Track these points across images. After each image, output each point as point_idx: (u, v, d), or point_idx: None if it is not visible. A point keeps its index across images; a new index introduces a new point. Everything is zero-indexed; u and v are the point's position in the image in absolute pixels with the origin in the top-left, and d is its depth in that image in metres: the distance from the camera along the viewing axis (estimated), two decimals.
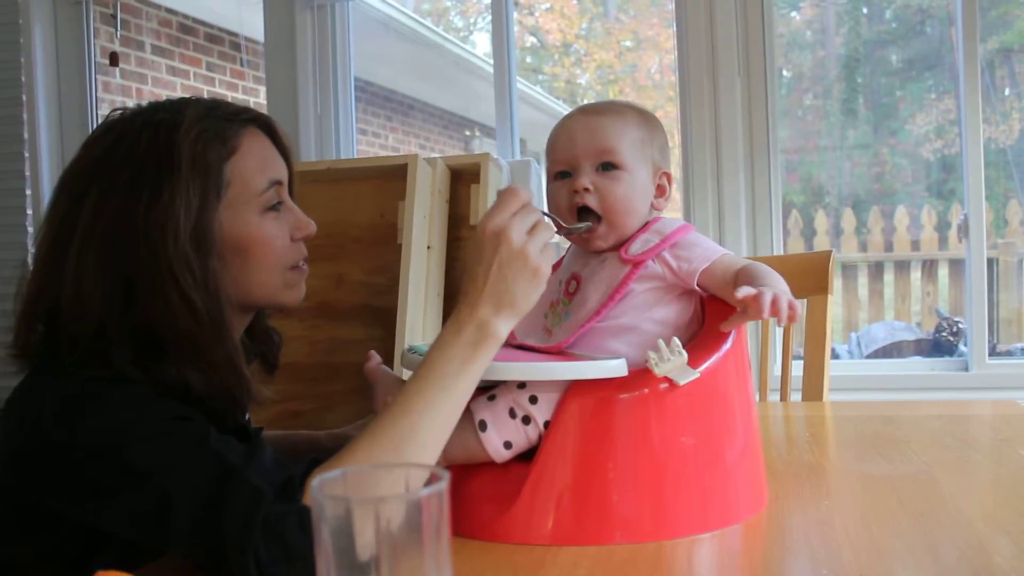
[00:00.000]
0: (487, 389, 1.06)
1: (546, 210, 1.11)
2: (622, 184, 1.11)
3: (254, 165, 1.09)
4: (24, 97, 3.30)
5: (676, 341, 0.97)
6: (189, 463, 0.90)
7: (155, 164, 1.02)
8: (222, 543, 0.86)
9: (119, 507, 0.92)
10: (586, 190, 1.11)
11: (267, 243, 1.09)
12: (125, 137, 1.05)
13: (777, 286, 1.02)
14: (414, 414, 0.94)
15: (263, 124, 1.14)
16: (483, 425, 1.02)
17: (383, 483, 0.69)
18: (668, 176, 1.17)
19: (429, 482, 0.62)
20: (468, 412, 1.03)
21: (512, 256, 0.96)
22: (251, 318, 1.18)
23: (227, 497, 0.87)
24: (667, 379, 0.98)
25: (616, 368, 1.00)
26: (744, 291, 0.98)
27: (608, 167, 1.11)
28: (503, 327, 0.97)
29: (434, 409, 0.94)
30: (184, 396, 1.00)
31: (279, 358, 1.27)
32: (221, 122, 1.08)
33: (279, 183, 1.12)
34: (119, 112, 1.09)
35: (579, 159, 1.12)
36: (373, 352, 1.20)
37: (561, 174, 1.14)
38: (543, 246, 0.98)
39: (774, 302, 0.97)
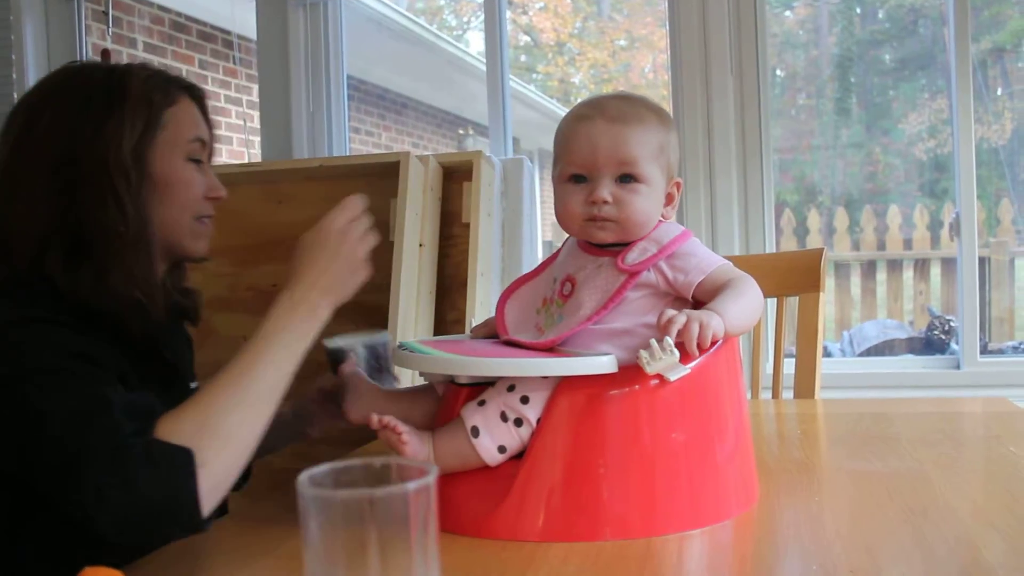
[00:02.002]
0: (478, 389, 1.06)
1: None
2: (641, 196, 1.09)
3: (186, 119, 1.26)
4: (16, 94, 3.29)
5: (668, 340, 0.97)
6: (70, 398, 0.98)
7: (107, 92, 1.20)
8: (77, 472, 0.92)
9: (9, 440, 0.99)
10: (605, 202, 1.09)
11: (186, 185, 1.25)
12: (80, 74, 1.23)
13: (720, 307, 1.02)
14: (255, 368, 1.05)
15: (196, 96, 1.30)
16: (476, 431, 1.02)
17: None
18: (678, 184, 1.16)
19: (417, 477, 0.61)
20: (459, 419, 1.03)
21: (349, 253, 1.14)
22: (166, 264, 1.28)
23: (90, 427, 0.94)
24: (658, 375, 0.98)
25: (606, 364, 0.99)
26: (666, 315, 0.99)
27: (627, 178, 1.09)
28: (326, 311, 1.13)
29: (271, 366, 1.06)
30: (98, 306, 1.13)
31: (200, 313, 1.40)
32: (164, 79, 1.26)
33: (203, 142, 1.29)
34: (74, 63, 1.27)
35: (600, 168, 1.09)
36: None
37: (576, 177, 1.12)
38: (368, 250, 1.18)
39: (685, 328, 0.98)
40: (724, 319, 1.01)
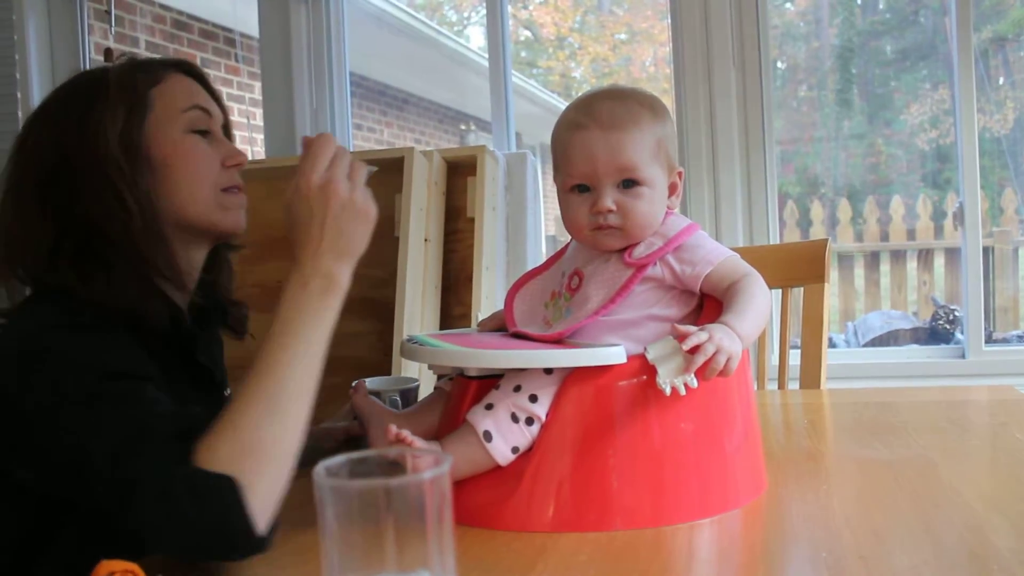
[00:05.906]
0: (485, 387, 1.06)
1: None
2: (644, 200, 1.09)
3: (179, 91, 1.20)
4: (19, 94, 3.30)
5: (692, 379, 0.97)
6: (110, 430, 0.94)
7: (87, 89, 1.17)
8: (128, 508, 0.90)
9: (47, 463, 0.97)
10: (610, 211, 1.09)
11: (191, 158, 1.18)
12: (70, 81, 1.21)
13: (739, 325, 1.00)
14: (280, 368, 0.96)
15: (189, 70, 1.24)
16: (488, 436, 1.02)
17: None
18: (680, 173, 1.15)
19: (432, 466, 0.62)
20: (468, 425, 1.03)
21: (343, 206, 1.01)
22: (204, 249, 1.25)
23: (134, 460, 0.91)
24: None
25: (616, 355, 1.00)
26: (681, 329, 0.97)
27: (630, 183, 1.09)
28: (346, 274, 1.02)
29: (296, 360, 0.97)
30: (115, 306, 1.08)
31: (247, 326, 1.36)
32: (148, 63, 1.22)
33: (204, 109, 1.22)
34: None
35: (600, 177, 1.09)
36: (359, 384, 1.18)
37: (579, 187, 1.12)
38: (365, 187, 1.04)
39: (700, 349, 0.95)
40: (741, 338, 0.99)
